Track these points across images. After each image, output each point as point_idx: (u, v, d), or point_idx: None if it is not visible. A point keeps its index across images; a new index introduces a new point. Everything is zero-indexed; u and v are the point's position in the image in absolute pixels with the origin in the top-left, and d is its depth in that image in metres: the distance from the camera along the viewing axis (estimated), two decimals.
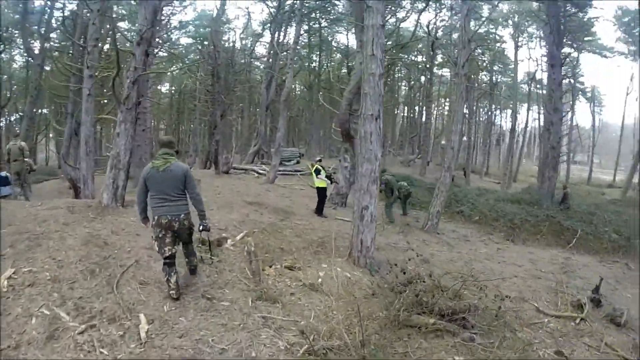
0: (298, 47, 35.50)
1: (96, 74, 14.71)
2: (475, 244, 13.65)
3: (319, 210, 13.76)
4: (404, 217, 16.23)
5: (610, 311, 7.93)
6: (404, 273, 7.19)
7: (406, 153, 49.34)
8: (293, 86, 38.28)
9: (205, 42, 38.64)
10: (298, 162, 31.74)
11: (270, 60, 33.03)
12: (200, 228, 6.05)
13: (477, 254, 11.79)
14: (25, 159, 13.70)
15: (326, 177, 14.12)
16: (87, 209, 9.23)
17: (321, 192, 13.93)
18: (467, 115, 46.71)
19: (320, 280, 7.41)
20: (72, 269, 6.05)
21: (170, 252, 5.79)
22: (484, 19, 33.37)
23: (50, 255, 6.36)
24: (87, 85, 14.39)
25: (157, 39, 25.41)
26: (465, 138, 40.37)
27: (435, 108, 54.34)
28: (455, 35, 41.35)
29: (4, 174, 12.46)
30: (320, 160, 14.64)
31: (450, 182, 15.67)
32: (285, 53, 33.46)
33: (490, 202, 19.79)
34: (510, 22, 41.65)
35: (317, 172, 13.99)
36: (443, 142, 52.82)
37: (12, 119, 37.53)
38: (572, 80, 36.15)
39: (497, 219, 16.92)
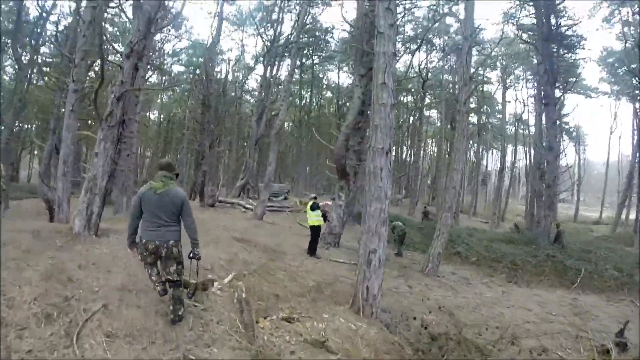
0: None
1: (83, 87, 13.67)
2: (478, 287, 12.87)
3: (312, 250, 12.86)
4: (399, 258, 15.47)
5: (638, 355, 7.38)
6: (426, 328, 6.13)
7: (394, 192, 48.58)
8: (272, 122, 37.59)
9: (198, 71, 37.97)
10: (286, 198, 31.03)
11: (263, 93, 32.30)
12: (190, 255, 5.55)
13: (484, 299, 10.97)
14: None
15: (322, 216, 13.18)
16: (56, 235, 8.14)
17: (315, 230, 13.05)
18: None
19: (323, 334, 6.28)
20: (25, 311, 4.90)
21: (154, 268, 5.62)
22: (483, 57, 33.30)
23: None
24: (70, 100, 13.42)
25: (148, 64, 24.72)
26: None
27: (423, 148, 54.16)
28: (446, 76, 41.80)
29: None
30: (315, 198, 13.76)
31: (452, 223, 14.91)
32: (277, 88, 33.12)
33: (484, 242, 19.32)
34: (498, 64, 42.11)
35: (313, 208, 13.07)
36: (428, 182, 52.98)
37: None
38: (557, 121, 36.21)
39: (497, 260, 16.31)
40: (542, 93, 23.88)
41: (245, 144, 41.30)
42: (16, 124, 30.66)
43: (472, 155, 53.38)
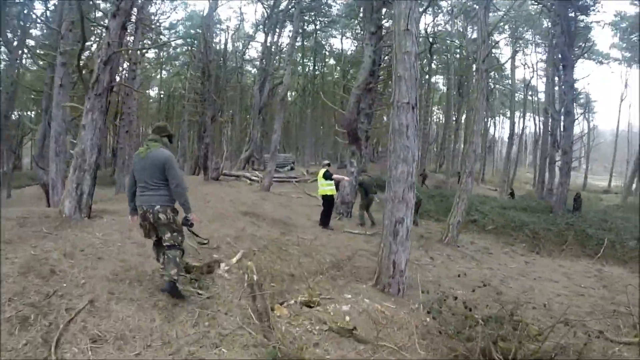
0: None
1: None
2: (500, 257, 12.05)
3: (325, 222, 12.01)
4: (415, 227, 14.45)
5: None
6: (470, 310, 5.27)
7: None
8: (274, 92, 36.50)
9: (196, 43, 36.80)
10: (292, 169, 30.31)
11: (264, 61, 31.17)
12: (182, 222, 5.21)
13: (509, 270, 10.18)
14: None
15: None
16: (44, 221, 7.31)
17: (329, 200, 12.21)
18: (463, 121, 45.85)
19: (348, 318, 5.44)
20: None
21: (156, 238, 5.24)
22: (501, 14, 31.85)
23: None
24: (58, 74, 12.65)
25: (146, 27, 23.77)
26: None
27: (430, 115, 52.92)
28: (452, 40, 40.27)
29: None
30: (329, 165, 12.78)
31: (472, 189, 13.98)
32: (279, 56, 32.06)
33: (497, 210, 18.55)
34: (507, 27, 40.39)
35: (326, 177, 12.14)
36: (435, 149, 52.04)
37: None
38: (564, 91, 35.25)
39: (516, 229, 15.44)
40: (560, 55, 22.92)
41: (248, 116, 40.30)
42: (11, 111, 30.13)
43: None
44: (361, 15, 23.38)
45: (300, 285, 6.46)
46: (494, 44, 40.24)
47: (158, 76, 51.18)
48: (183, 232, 5.26)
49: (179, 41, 43.10)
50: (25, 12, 25.41)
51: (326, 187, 12.11)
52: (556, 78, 28.44)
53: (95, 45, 22.74)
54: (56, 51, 13.27)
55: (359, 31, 40.84)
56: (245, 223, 9.76)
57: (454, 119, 45.41)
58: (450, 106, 44.56)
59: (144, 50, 32.60)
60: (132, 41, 23.06)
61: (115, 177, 23.23)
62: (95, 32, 21.61)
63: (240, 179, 22.65)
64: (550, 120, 29.09)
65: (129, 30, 28.43)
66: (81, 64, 8.92)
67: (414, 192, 6.91)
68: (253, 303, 5.39)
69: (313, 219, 12.61)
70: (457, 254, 11.29)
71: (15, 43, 24.28)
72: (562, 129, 22.80)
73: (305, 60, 48.30)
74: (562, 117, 23.15)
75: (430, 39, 32.77)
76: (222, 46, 35.36)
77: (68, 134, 12.91)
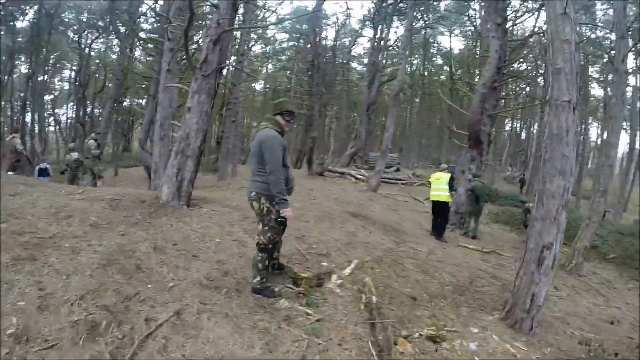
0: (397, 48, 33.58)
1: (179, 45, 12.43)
2: (624, 293, 10.33)
3: (440, 233, 10.77)
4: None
5: None
6: None
7: (511, 169, 45.27)
8: (382, 89, 35.19)
9: (302, 38, 36.54)
10: (398, 170, 29.16)
11: (373, 56, 30.09)
12: (274, 217, 4.44)
13: (636, 311, 8.36)
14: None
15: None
16: (139, 205, 6.63)
17: (446, 208, 10.93)
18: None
19: None
20: (62, 318, 3.28)
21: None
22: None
23: (37, 282, 3.68)
24: (166, 59, 12.41)
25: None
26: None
27: (540, 121, 49.46)
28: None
29: (44, 165, 13.06)
30: (447, 169, 11.47)
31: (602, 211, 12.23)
32: (386, 53, 31.33)
33: (614, 234, 16.15)
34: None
35: (451, 185, 10.91)
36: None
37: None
38: None
39: None
40: None
41: (354, 114, 39.49)
42: (121, 97, 31.54)
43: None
44: (481, 5, 21.59)
45: (422, 311, 5.27)
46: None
47: (264, 70, 51.58)
48: (278, 231, 4.57)
49: (285, 35, 43.20)
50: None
51: (442, 193, 10.85)
52: None
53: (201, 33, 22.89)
54: (164, 38, 13.10)
55: (468, 28, 39.07)
56: (355, 227, 8.72)
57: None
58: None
59: (251, 44, 32.69)
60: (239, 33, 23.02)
61: (219, 165, 23.27)
62: (203, 12, 21.48)
63: (345, 176, 21.96)
64: None
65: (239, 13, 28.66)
66: (189, 46, 8.24)
67: (565, 212, 5.54)
68: (371, 332, 4.29)
69: (425, 227, 11.51)
70: (581, 285, 9.73)
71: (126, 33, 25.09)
72: None
73: (412, 59, 46.62)
74: None
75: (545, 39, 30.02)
76: (330, 41, 34.85)
77: (174, 119, 12.57)
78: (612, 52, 14.75)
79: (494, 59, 13.05)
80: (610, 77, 38.77)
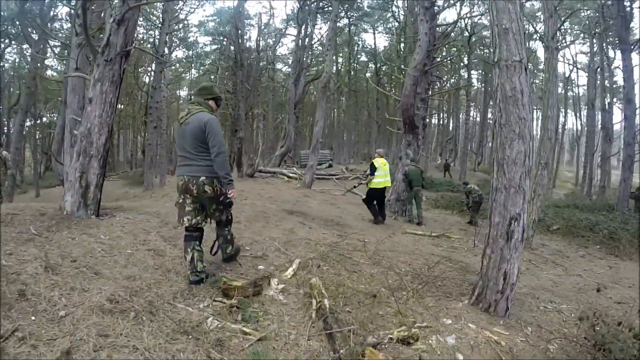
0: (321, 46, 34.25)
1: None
2: (579, 261, 10.40)
3: (384, 216, 10.88)
4: (473, 227, 12.93)
5: None
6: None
7: (441, 158, 46.44)
8: (308, 88, 34.83)
9: (225, 41, 35.63)
10: (330, 166, 29.08)
11: (298, 54, 29.58)
12: (221, 198, 4.58)
13: (597, 277, 8.47)
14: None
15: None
16: (37, 219, 5.56)
17: (380, 193, 10.80)
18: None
19: (461, 357, 3.65)
20: None
21: (189, 223, 4.52)
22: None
23: None
24: (73, 56, 11.30)
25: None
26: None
27: (466, 112, 50.88)
28: (486, 32, 38.03)
29: None
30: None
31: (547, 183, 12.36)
32: (310, 52, 32.03)
33: (552, 208, 17.77)
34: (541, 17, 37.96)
35: (374, 169, 10.60)
36: (471, 147, 50.26)
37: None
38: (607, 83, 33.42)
39: (587, 229, 13.89)
40: (617, 39, 22.13)
41: (281, 115, 38.92)
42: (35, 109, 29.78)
43: None
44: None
45: (385, 309, 4.51)
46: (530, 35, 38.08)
47: (187, 77, 50.22)
48: (227, 203, 4.65)
49: (208, 39, 42.07)
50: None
51: (389, 178, 10.86)
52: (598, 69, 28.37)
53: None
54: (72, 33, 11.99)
55: (391, 24, 39.56)
56: (292, 224, 7.98)
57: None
58: (487, 102, 42.20)
59: (173, 48, 31.47)
60: (158, 33, 21.85)
61: (144, 176, 21.90)
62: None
63: (277, 176, 21.44)
64: (599, 113, 28.14)
65: (155, 21, 27.28)
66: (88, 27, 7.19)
67: (530, 181, 5.02)
68: (331, 345, 3.44)
69: (367, 218, 10.92)
70: (537, 258, 9.59)
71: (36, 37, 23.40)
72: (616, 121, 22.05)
73: (337, 57, 46.66)
74: (622, 107, 21.89)
75: (467, 31, 30.72)
76: (254, 41, 34.24)
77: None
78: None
79: (424, 42, 12.98)
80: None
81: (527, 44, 37.66)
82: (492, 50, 5.46)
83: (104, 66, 6.42)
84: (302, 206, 10.82)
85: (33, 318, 3.05)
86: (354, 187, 14.77)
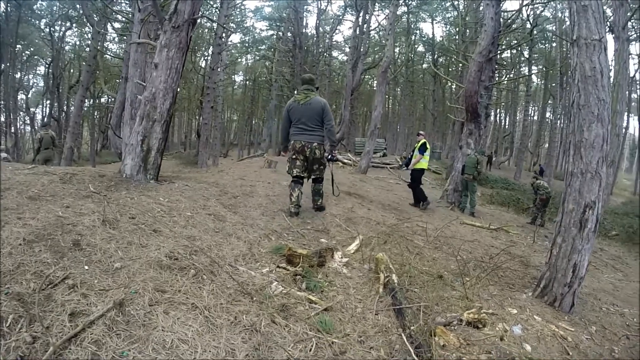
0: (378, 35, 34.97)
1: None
2: (636, 268, 9.80)
3: (417, 200, 10.47)
4: (541, 228, 12.14)
5: None
6: None
7: (499, 155, 45.06)
8: (364, 77, 34.32)
9: (282, 26, 35.47)
10: (385, 155, 28.86)
11: (357, 41, 29.15)
12: (328, 156, 6.45)
13: None
14: (54, 147, 13.19)
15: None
16: (96, 179, 5.48)
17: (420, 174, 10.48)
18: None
19: (529, 348, 3.41)
20: None
21: (297, 173, 6.14)
22: None
23: None
24: (136, 30, 11.40)
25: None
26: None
27: (525, 110, 49.12)
28: (550, 26, 36.37)
29: (3, 155, 12.35)
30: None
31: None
32: (368, 40, 31.52)
33: (611, 214, 16.77)
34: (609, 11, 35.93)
35: (425, 148, 10.35)
36: (529, 146, 48.72)
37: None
38: None
39: None
40: None
41: (335, 104, 38.57)
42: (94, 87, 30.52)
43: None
44: None
45: (450, 292, 4.22)
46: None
47: (243, 62, 50.41)
48: (325, 164, 6.38)
49: (265, 24, 42.07)
50: None
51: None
52: None
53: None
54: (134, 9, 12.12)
55: (450, 14, 38.64)
56: (352, 203, 7.81)
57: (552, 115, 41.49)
58: (547, 100, 40.61)
59: (230, 31, 31.54)
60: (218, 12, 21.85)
61: (198, 156, 22.01)
62: None
63: None
64: None
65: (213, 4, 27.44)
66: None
67: (606, 167, 4.67)
68: (399, 321, 3.18)
69: (423, 207, 10.45)
70: (596, 261, 9.16)
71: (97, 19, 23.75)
72: None
73: (395, 46, 45.88)
74: None
75: (530, 22, 29.23)
76: (311, 27, 34.00)
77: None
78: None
79: (489, 26, 12.45)
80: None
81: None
82: (570, 27, 5.10)
83: (171, 32, 6.32)
84: (359, 189, 10.64)
85: (86, 267, 2.90)
86: (404, 168, 14.32)
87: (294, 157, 6.06)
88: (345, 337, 2.82)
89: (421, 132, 11.17)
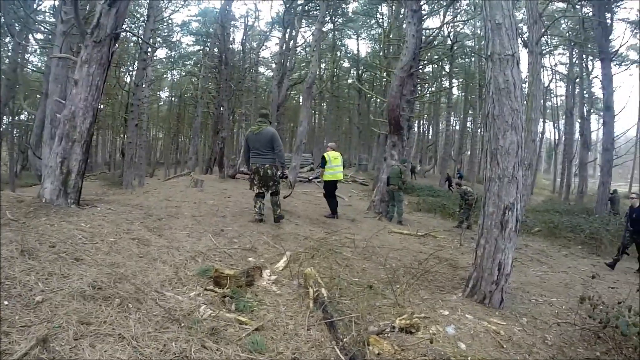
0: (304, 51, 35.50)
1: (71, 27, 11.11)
2: (562, 260, 10.55)
3: (336, 211, 10.63)
4: (468, 231, 12.74)
5: None
6: None
7: (423, 164, 46.61)
8: (290, 92, 34.87)
9: (209, 41, 35.17)
10: (312, 169, 29.22)
11: (282, 56, 29.45)
12: (279, 175, 7.64)
13: (581, 273, 8.56)
14: None
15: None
16: (14, 205, 5.30)
17: (334, 186, 10.77)
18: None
19: (464, 347, 3.67)
20: None
21: (257, 190, 7.51)
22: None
23: None
24: (58, 43, 11.05)
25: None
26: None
27: (446, 120, 51.20)
28: (469, 42, 38.29)
29: None
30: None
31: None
32: (294, 55, 32.04)
33: (532, 212, 18.39)
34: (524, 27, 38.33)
35: (324, 162, 10.66)
36: (452, 154, 50.61)
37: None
38: (585, 93, 34.48)
39: (569, 231, 14.21)
40: (598, 47, 21.70)
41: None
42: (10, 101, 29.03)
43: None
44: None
45: (381, 300, 4.40)
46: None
47: (169, 77, 49.59)
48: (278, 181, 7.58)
49: (191, 39, 41.57)
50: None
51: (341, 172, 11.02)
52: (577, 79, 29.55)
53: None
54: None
55: (375, 31, 39.91)
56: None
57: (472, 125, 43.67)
58: (467, 111, 42.71)
59: (156, 47, 30.95)
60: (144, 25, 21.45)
61: (123, 177, 21.27)
62: None
63: None
64: (577, 121, 29.49)
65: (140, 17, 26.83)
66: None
67: (523, 171, 5.22)
68: (332, 334, 3.26)
69: (349, 218, 10.97)
70: (522, 256, 9.71)
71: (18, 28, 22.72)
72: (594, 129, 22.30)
73: (320, 62, 46.40)
74: (602, 113, 22.25)
75: (450, 39, 30.69)
76: (238, 43, 33.89)
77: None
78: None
79: (411, 43, 13.09)
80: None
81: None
82: (485, 43, 5.58)
83: (93, 47, 6.18)
84: (286, 205, 10.64)
85: (6, 303, 2.78)
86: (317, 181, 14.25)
87: (252, 177, 7.44)
88: (278, 355, 2.86)
89: (329, 144, 11.52)
